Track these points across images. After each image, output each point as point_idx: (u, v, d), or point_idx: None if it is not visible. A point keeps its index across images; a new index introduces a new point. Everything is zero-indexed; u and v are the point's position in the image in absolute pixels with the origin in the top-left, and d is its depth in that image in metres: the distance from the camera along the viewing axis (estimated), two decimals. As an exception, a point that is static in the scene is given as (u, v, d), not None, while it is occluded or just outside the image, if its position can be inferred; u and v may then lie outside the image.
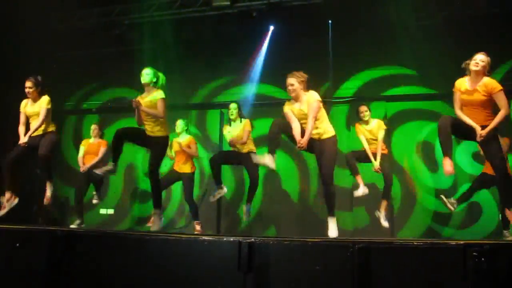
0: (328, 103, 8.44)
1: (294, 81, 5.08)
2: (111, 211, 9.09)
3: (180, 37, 8.99)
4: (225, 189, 6.73)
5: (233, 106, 6.92)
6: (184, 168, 7.19)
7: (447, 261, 3.31)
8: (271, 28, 8.83)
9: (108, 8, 9.04)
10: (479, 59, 4.69)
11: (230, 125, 6.96)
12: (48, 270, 4.09)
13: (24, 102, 6.02)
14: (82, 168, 7.29)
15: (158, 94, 5.48)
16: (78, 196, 7.39)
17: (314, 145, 5.07)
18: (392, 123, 8.33)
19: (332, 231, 5.05)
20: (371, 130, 6.66)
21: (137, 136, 5.61)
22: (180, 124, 7.34)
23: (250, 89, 9.10)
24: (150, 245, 4.05)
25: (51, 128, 5.97)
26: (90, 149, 7.45)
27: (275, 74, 8.70)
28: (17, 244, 4.23)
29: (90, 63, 9.35)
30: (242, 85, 9.17)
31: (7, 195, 5.79)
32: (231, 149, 6.92)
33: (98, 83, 10.03)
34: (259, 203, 8.54)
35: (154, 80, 5.57)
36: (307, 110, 5.01)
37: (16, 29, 8.31)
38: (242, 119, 6.89)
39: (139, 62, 9.07)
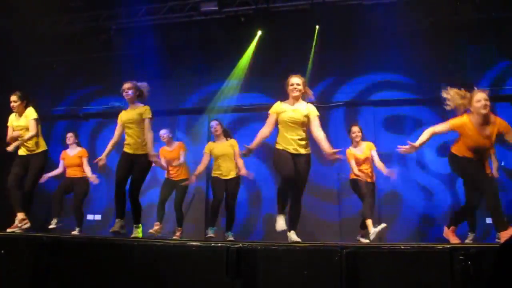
0: (316, 108, 8.50)
1: (300, 81, 4.98)
2: (98, 217, 9.01)
3: (168, 42, 8.98)
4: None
5: (214, 123, 6.77)
6: (181, 175, 7.15)
7: (434, 264, 3.34)
8: (259, 33, 8.84)
9: (95, 13, 9.00)
10: (486, 98, 4.40)
11: (214, 142, 6.80)
12: (34, 277, 4.05)
13: (11, 116, 5.97)
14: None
15: (146, 113, 5.47)
16: (57, 198, 7.31)
17: (292, 156, 4.90)
18: (379, 127, 8.41)
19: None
20: (361, 151, 6.57)
21: (129, 169, 5.46)
22: (164, 133, 7.27)
23: (238, 94, 9.09)
24: (138, 251, 4.03)
25: (42, 147, 5.87)
26: (72, 162, 7.34)
27: (262, 79, 8.74)
28: (2, 251, 4.18)
29: (77, 68, 9.29)
30: (230, 90, 9.14)
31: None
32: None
33: (86, 88, 9.96)
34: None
35: (138, 93, 5.58)
36: (305, 118, 4.92)
37: (3, 34, 8.26)
38: (228, 138, 6.76)
39: (127, 67, 9.10)
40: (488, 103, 4.37)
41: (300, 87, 4.96)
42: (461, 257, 3.22)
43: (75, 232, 7.05)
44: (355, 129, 6.63)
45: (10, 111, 5.97)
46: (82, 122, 9.87)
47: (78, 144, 7.53)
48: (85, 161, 7.31)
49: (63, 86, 9.85)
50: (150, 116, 5.47)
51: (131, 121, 5.46)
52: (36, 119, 5.78)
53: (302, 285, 3.51)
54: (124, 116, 5.55)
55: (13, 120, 5.92)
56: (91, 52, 9.29)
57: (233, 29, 8.66)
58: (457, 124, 4.54)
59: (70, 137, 7.47)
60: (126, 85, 5.55)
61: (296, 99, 4.99)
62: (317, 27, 8.51)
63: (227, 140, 6.73)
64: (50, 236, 4.51)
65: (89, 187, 7.37)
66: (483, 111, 4.36)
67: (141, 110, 5.48)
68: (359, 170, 6.45)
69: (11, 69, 8.53)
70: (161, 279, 3.84)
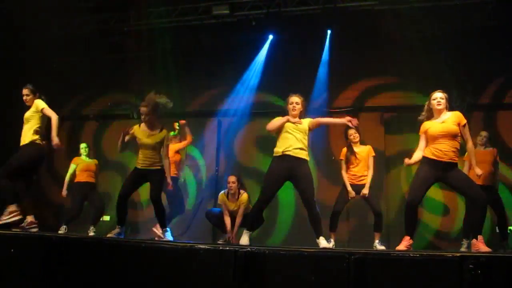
0: (325, 113, 8.50)
1: (298, 100, 5.14)
2: (106, 218, 9.04)
3: (179, 45, 9.01)
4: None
5: (231, 179, 6.87)
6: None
7: (443, 273, 3.30)
8: (270, 36, 8.85)
9: (107, 15, 9.06)
10: (440, 98, 4.83)
11: (228, 198, 6.93)
12: (43, 276, 4.06)
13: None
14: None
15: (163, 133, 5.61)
16: (76, 207, 7.52)
17: (290, 165, 4.99)
18: (387, 132, 8.39)
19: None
20: (358, 152, 6.43)
21: (136, 182, 5.58)
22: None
23: (248, 97, 9.08)
24: (145, 253, 4.03)
25: (33, 137, 5.45)
26: (86, 167, 7.61)
27: (274, 82, 8.75)
28: (12, 250, 4.21)
29: (89, 69, 9.34)
30: (240, 93, 9.14)
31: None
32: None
33: (97, 90, 10.01)
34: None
35: (152, 109, 5.55)
36: (305, 127, 5.08)
37: (16, 35, 8.33)
38: (242, 191, 6.87)
39: (138, 69, 9.16)
40: (442, 100, 4.80)
41: (299, 106, 5.14)
42: (470, 265, 3.18)
43: (91, 232, 7.17)
44: (352, 131, 6.46)
45: (18, 109, 5.90)
46: (87, 123, 9.95)
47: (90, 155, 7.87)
48: (97, 169, 7.74)
49: (73, 87, 9.90)
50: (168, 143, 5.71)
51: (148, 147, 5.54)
52: (43, 109, 5.47)
53: (309, 290, 3.50)
54: (142, 138, 5.57)
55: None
56: (102, 54, 9.36)
57: (244, 33, 8.68)
58: (422, 128, 4.92)
59: (85, 148, 7.76)
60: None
61: (294, 117, 5.12)
62: (328, 31, 8.51)
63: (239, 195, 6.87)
64: (59, 236, 4.54)
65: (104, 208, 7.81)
66: (438, 107, 4.80)
67: (161, 136, 5.57)
68: (349, 172, 6.40)
69: (22, 70, 8.61)
70: (167, 281, 3.84)
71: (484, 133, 6.63)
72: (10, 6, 8.02)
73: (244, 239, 4.98)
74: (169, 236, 5.63)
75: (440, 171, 4.73)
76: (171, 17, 8.80)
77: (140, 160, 5.53)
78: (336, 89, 8.79)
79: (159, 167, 5.53)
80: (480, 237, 4.72)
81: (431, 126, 4.85)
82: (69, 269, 4.10)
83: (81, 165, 7.61)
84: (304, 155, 5.01)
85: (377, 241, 6.28)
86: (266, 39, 8.89)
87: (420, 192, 4.78)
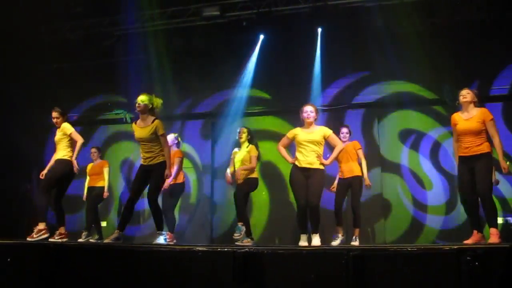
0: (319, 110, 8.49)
1: (313, 109, 5.49)
2: (103, 224, 9.01)
3: (171, 47, 8.98)
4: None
5: (242, 130, 6.65)
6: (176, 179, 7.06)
7: (441, 266, 3.32)
8: (261, 36, 8.85)
9: (97, 19, 9.02)
10: (465, 93, 5.24)
11: (239, 147, 6.67)
12: (40, 284, 4.04)
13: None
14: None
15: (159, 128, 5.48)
16: (91, 217, 7.61)
17: (305, 171, 5.40)
18: (381, 129, 8.41)
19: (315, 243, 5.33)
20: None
21: (142, 181, 5.51)
22: (170, 137, 7.21)
23: (241, 98, 9.06)
24: (143, 256, 4.03)
25: (64, 155, 5.95)
26: (93, 171, 7.75)
27: (266, 81, 8.74)
28: (9, 259, 4.19)
29: (80, 74, 9.29)
30: (234, 95, 9.11)
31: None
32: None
33: (88, 95, 9.94)
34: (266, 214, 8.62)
35: (150, 106, 5.52)
36: (318, 138, 5.44)
37: (6, 40, 8.27)
38: (250, 144, 6.55)
39: (130, 73, 9.11)
40: (467, 95, 5.20)
41: (313, 115, 5.49)
42: (468, 258, 3.20)
43: (83, 237, 7.15)
44: (344, 130, 6.67)
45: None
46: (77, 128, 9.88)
47: (101, 157, 7.99)
48: (105, 171, 7.69)
49: (65, 92, 9.83)
50: (163, 132, 5.50)
51: (147, 133, 5.45)
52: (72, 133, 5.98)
53: (309, 288, 3.50)
54: (137, 132, 5.55)
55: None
56: (94, 58, 9.29)
57: (235, 33, 8.68)
58: (452, 120, 5.31)
59: (94, 153, 7.86)
60: (140, 98, 5.53)
61: (307, 125, 5.52)
62: (319, 30, 8.52)
63: (247, 147, 6.56)
64: (56, 243, 4.52)
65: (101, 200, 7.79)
66: (463, 100, 5.22)
67: (153, 126, 5.45)
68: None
69: (12, 77, 8.57)
70: (167, 284, 3.83)
71: None
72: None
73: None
74: (161, 240, 5.54)
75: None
76: (162, 20, 8.78)
77: (142, 156, 5.52)
78: (328, 87, 8.78)
79: (161, 160, 5.47)
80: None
81: None
82: (66, 275, 4.08)
83: (89, 170, 7.80)
84: (316, 164, 5.41)
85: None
86: (257, 39, 8.88)
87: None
